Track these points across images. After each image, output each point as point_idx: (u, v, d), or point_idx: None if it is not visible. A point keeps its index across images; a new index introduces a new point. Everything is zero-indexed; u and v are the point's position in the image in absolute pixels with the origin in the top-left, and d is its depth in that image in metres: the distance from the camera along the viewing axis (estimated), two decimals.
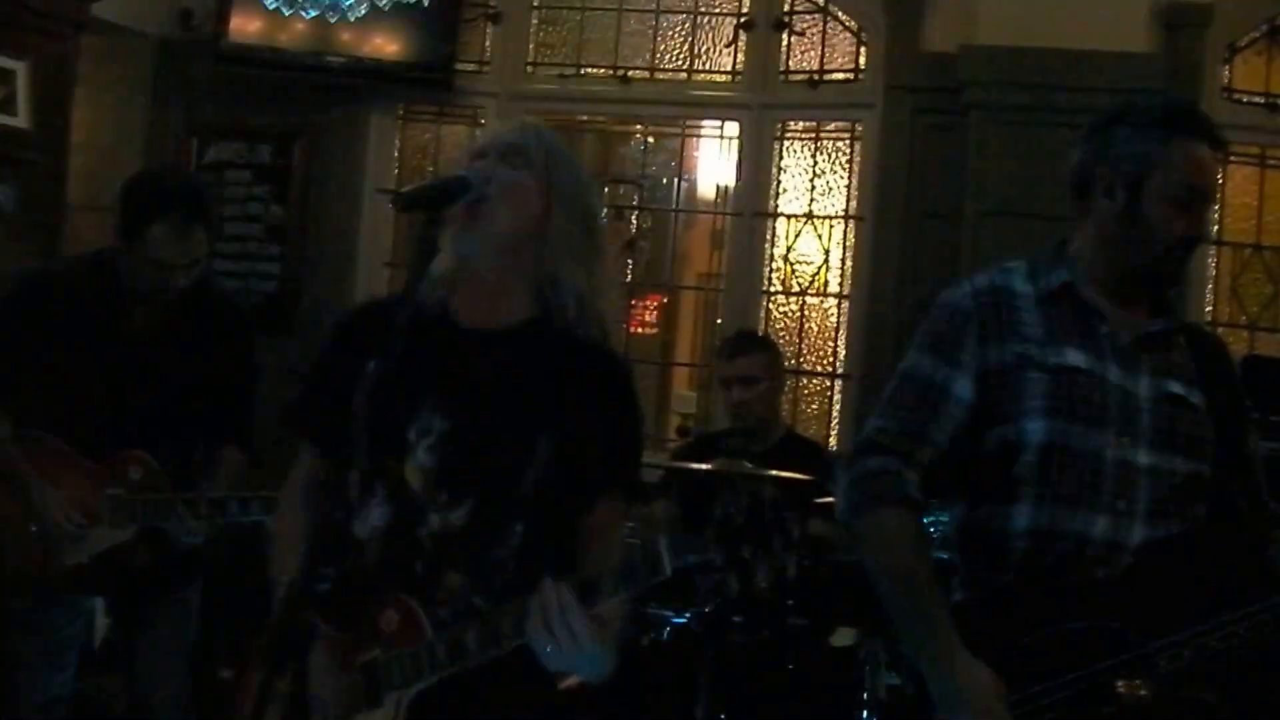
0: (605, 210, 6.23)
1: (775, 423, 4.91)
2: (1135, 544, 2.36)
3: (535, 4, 6.51)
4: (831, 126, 6.18)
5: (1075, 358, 2.42)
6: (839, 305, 6.12)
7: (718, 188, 6.41)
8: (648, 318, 6.99)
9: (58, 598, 3.56)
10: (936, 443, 2.47)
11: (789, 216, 6.21)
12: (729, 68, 6.32)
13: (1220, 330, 5.46)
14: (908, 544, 2.42)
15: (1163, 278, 2.53)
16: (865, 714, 4.05)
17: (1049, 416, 2.39)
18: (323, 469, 2.41)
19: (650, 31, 6.40)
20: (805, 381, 6.13)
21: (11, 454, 3.45)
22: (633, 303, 6.72)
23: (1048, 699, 2.29)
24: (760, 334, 5.59)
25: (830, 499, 4.31)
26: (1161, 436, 2.40)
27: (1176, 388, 2.45)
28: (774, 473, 4.21)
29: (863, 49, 6.08)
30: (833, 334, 6.13)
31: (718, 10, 6.34)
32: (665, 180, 6.53)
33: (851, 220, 6.09)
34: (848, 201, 6.11)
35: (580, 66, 6.46)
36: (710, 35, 6.35)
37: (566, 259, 2.28)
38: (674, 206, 6.54)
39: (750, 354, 4.84)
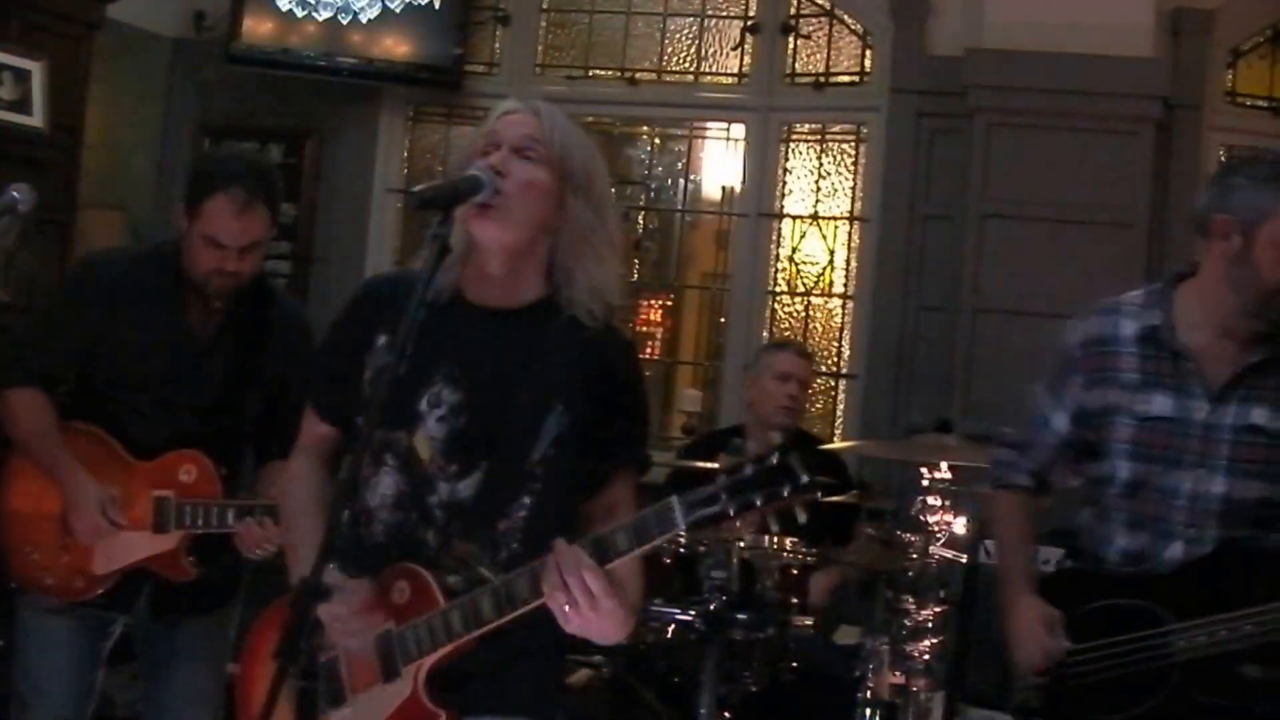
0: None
1: (792, 430, 4.99)
2: None
3: (544, 6, 6.57)
4: (837, 128, 6.23)
5: (1161, 405, 2.79)
6: (843, 305, 6.17)
7: (724, 189, 6.44)
8: (653, 317, 7.02)
9: (81, 609, 3.25)
10: (1039, 456, 3.00)
11: (794, 217, 6.26)
12: (735, 70, 6.37)
13: None
14: (1006, 519, 3.07)
15: (1264, 317, 2.75)
16: (868, 712, 4.09)
17: (1133, 459, 2.81)
18: (328, 440, 2.43)
19: (657, 34, 6.46)
20: None
21: (53, 445, 3.21)
22: (638, 302, 6.76)
23: (1088, 653, 2.78)
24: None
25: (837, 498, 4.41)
26: (1239, 465, 2.73)
27: (1260, 417, 2.75)
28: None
29: (868, 52, 6.12)
30: (837, 334, 6.18)
31: (724, 13, 6.39)
32: (671, 181, 6.57)
33: (856, 221, 6.13)
34: (852, 203, 6.16)
35: (588, 68, 6.51)
36: (717, 38, 6.40)
37: (579, 249, 2.28)
38: (680, 207, 6.58)
39: (810, 361, 5.03)
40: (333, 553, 2.11)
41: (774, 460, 1.96)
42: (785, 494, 1.94)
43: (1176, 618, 2.70)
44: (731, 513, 1.96)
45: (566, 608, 2.03)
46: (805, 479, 1.94)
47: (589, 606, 2.02)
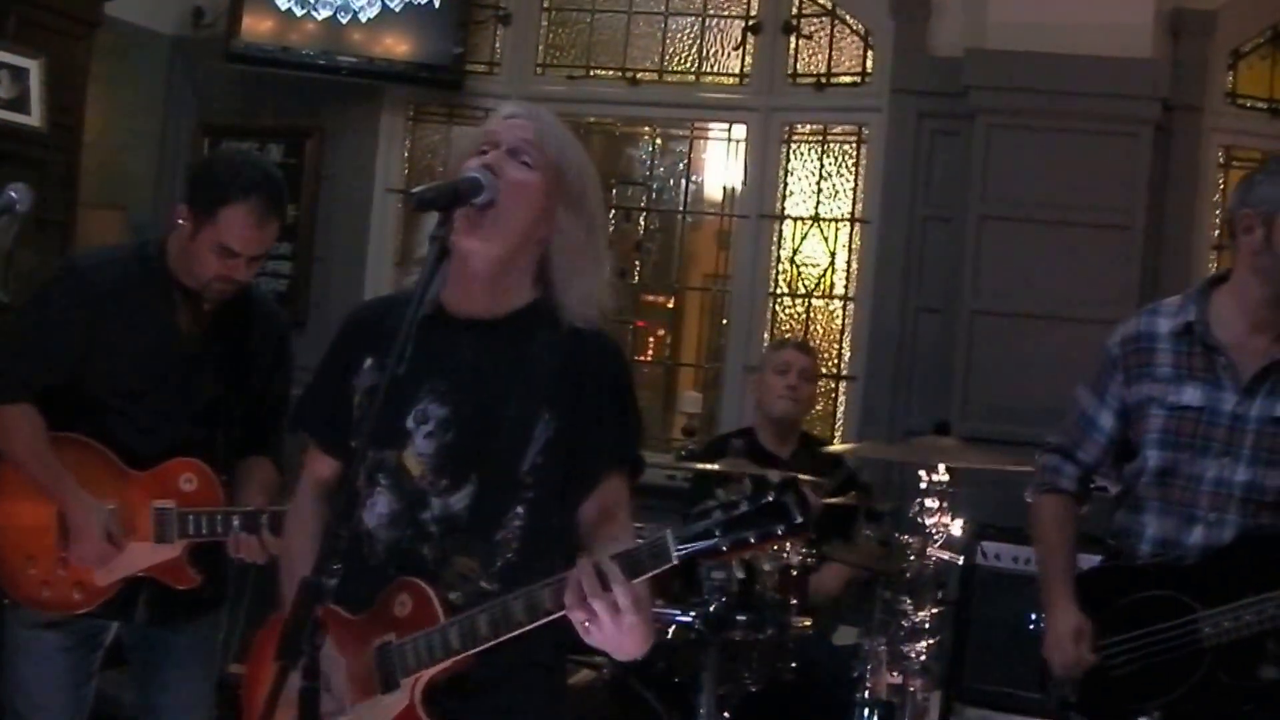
0: (612, 211, 6.31)
1: (798, 428, 5.01)
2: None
3: (545, 6, 6.56)
4: (838, 129, 6.23)
5: (1192, 395, 2.94)
6: (844, 307, 6.16)
7: (725, 190, 6.44)
8: (654, 319, 7.01)
9: (74, 620, 3.17)
10: (1087, 457, 3.13)
11: (795, 219, 6.25)
12: (737, 70, 6.36)
13: None
14: (1050, 522, 3.17)
15: None
16: (865, 712, 4.09)
17: (1162, 447, 2.96)
18: (331, 468, 2.43)
19: (659, 34, 6.45)
20: None
21: (50, 465, 3.11)
22: (639, 304, 6.76)
23: (1121, 645, 2.93)
24: None
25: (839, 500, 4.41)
26: (1261, 455, 2.88)
27: None
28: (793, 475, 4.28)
29: (870, 52, 6.11)
30: (838, 336, 6.18)
31: (726, 13, 6.38)
32: (673, 182, 6.56)
33: (857, 223, 6.13)
34: (854, 204, 6.16)
35: (589, 68, 6.50)
36: (718, 38, 6.39)
37: (567, 259, 2.28)
38: (681, 208, 6.57)
39: (812, 357, 5.11)
40: (335, 556, 2.12)
41: (770, 498, 1.98)
42: (779, 533, 1.98)
43: (1203, 605, 2.84)
44: (725, 549, 2.00)
45: (588, 624, 2.02)
46: (799, 519, 1.97)
47: (612, 622, 2.01)
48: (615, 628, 2.01)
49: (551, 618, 2.07)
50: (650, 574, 2.02)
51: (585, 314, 2.28)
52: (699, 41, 6.41)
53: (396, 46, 6.21)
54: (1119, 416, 3.06)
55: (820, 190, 6.22)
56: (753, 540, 1.99)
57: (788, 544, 1.88)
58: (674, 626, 3.98)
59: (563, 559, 2.13)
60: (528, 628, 2.08)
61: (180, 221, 3.13)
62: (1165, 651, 2.88)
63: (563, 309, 2.27)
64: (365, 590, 2.25)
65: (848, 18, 6.17)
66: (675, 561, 2.01)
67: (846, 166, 6.20)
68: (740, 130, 6.34)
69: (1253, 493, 2.88)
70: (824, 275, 6.22)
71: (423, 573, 2.22)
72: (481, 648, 2.12)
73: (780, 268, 6.27)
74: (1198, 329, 2.96)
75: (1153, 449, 2.97)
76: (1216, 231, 5.75)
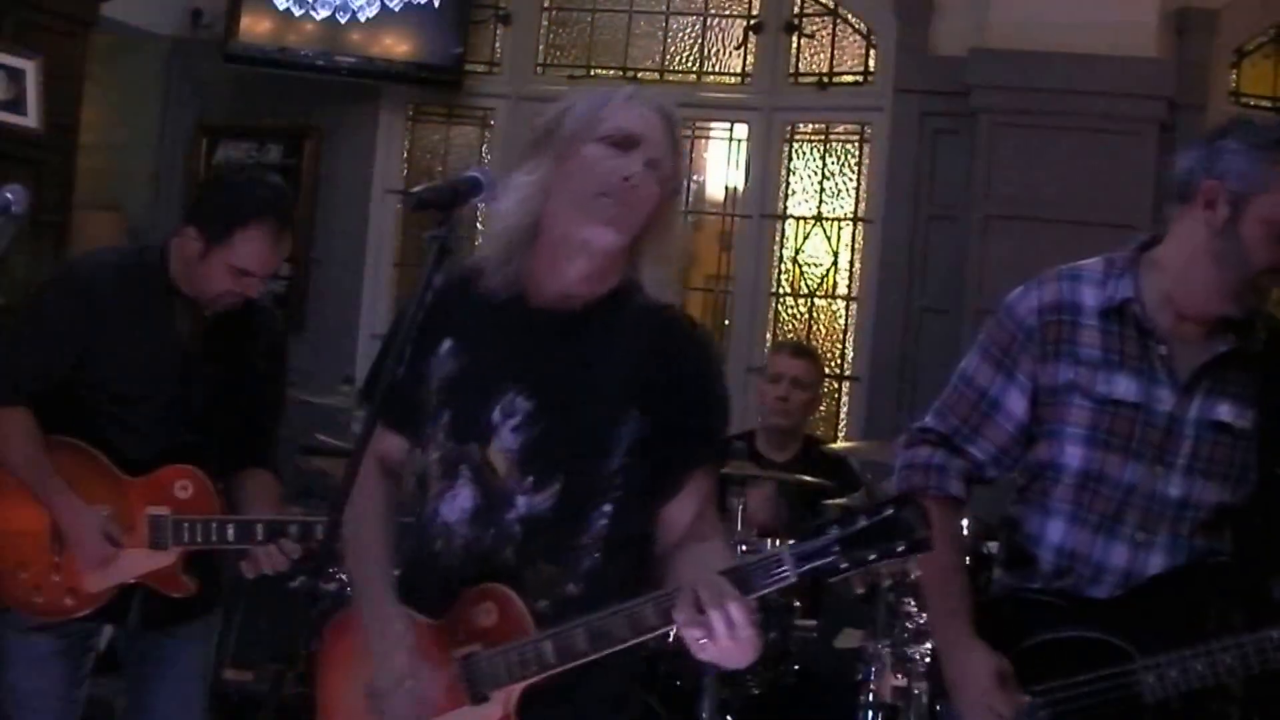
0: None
1: (799, 433, 4.97)
2: (1150, 573, 2.46)
3: (545, 5, 6.54)
4: (840, 129, 6.20)
5: (1124, 387, 2.46)
6: (847, 307, 6.14)
7: (727, 189, 6.41)
8: None
9: (68, 628, 3.15)
10: (986, 450, 2.58)
11: (798, 218, 6.23)
12: (738, 69, 6.34)
13: None
14: (941, 538, 2.42)
15: (1242, 301, 2.46)
16: (869, 715, 4.06)
17: (1088, 445, 2.47)
18: (398, 448, 2.33)
19: (660, 33, 6.43)
20: None
21: (44, 472, 3.09)
22: None
23: (1042, 697, 2.43)
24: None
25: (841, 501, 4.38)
26: (1199, 464, 2.45)
27: (1225, 413, 2.46)
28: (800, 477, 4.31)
29: (872, 51, 6.09)
30: (841, 336, 6.15)
31: (727, 12, 6.36)
32: None
33: (860, 222, 6.10)
34: (856, 204, 6.13)
35: (590, 68, 6.47)
36: (720, 37, 6.37)
37: (657, 250, 2.21)
38: (683, 208, 6.54)
39: (808, 360, 5.01)
40: (330, 560, 2.09)
41: (890, 512, 1.90)
42: (900, 550, 1.89)
43: (1136, 650, 2.40)
44: (844, 567, 1.91)
45: (703, 640, 1.95)
46: (923, 535, 1.88)
47: (728, 637, 1.94)
48: (731, 643, 1.94)
49: (656, 634, 2.02)
50: (766, 591, 1.96)
51: (663, 295, 2.22)
52: (700, 41, 6.38)
53: (396, 46, 6.19)
54: (1031, 399, 2.53)
55: (823, 190, 6.20)
56: (873, 558, 1.90)
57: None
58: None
59: (644, 561, 2.08)
60: (630, 643, 2.03)
61: (189, 243, 3.11)
62: (1096, 706, 2.39)
63: (644, 291, 2.20)
64: (437, 589, 2.19)
65: (850, 17, 6.15)
66: (794, 580, 1.94)
67: (849, 166, 6.17)
68: (742, 130, 6.31)
69: (1187, 510, 2.45)
70: (827, 275, 6.20)
71: (503, 577, 2.15)
72: (579, 663, 2.07)
73: (783, 268, 6.25)
74: (1134, 310, 2.47)
75: (1075, 446, 2.48)
76: None
